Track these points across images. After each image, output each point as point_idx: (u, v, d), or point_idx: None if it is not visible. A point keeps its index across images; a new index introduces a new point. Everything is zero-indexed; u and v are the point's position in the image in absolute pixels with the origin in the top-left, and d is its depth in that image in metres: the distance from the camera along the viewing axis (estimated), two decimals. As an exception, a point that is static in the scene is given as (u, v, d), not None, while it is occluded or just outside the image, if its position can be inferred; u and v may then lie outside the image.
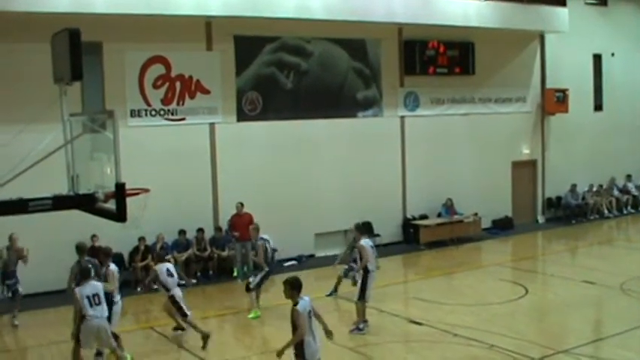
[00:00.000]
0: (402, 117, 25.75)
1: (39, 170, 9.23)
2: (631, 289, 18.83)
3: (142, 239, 20.32)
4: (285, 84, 23.27)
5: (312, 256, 23.68)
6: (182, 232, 21.18)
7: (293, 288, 10.25)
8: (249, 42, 22.49)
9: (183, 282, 16.73)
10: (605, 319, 17.28)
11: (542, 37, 29.32)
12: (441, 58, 26.11)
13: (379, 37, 24.92)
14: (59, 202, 9.15)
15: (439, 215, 26.32)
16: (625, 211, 31.80)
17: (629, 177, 32.76)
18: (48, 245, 17.95)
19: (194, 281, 20.81)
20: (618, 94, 32.21)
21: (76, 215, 10.16)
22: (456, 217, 26.05)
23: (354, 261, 17.56)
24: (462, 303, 17.83)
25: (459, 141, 27.09)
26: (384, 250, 24.48)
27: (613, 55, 32.02)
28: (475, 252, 25.10)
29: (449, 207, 26.16)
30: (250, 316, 17.20)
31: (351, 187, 24.40)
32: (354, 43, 24.56)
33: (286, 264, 22.74)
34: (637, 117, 33.46)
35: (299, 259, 23.12)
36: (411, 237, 25.55)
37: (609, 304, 18.18)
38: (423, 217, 26.04)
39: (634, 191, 32.55)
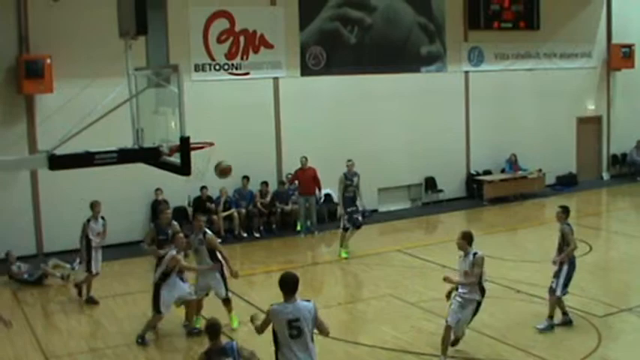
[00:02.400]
0: (466, 72, 25.22)
1: (105, 124, 9.13)
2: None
3: (204, 188, 20.15)
4: (348, 38, 22.88)
5: (375, 210, 23.39)
6: (245, 178, 20.94)
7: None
8: (313, -4, 22.18)
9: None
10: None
11: (612, -7, 28.39)
12: (506, 13, 25.43)
13: (444, -9, 24.38)
14: (124, 156, 9.09)
15: (503, 171, 25.86)
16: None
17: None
18: (114, 199, 18.00)
19: (257, 235, 20.74)
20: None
21: (141, 169, 10.08)
22: (519, 173, 25.56)
23: None
24: (525, 259, 17.53)
25: (524, 96, 26.40)
26: (448, 205, 24.45)
27: (682, 8, 30.87)
28: (539, 208, 24.59)
29: (513, 163, 25.68)
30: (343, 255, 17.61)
31: (414, 143, 24.03)
32: (419, -3, 24.08)
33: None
34: None
35: (363, 214, 22.88)
36: (475, 192, 25.15)
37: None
38: (487, 172, 25.59)
39: None
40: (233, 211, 20.57)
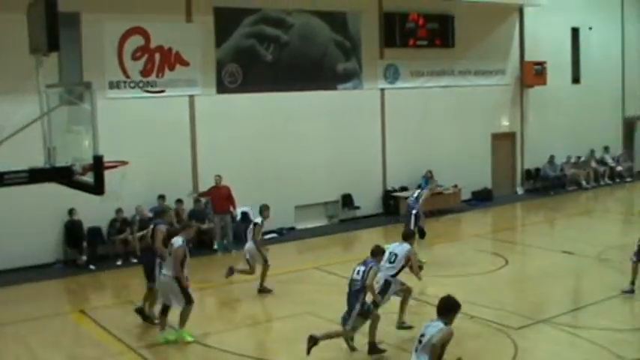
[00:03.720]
0: (382, 89, 25.60)
1: (15, 142, 8.97)
2: (608, 259, 19.04)
3: (119, 211, 20.02)
4: (265, 56, 22.99)
5: (292, 228, 23.52)
6: (161, 197, 20.71)
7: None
8: (229, 13, 22.17)
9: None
10: (584, 289, 17.37)
11: (521, 11, 29.34)
12: (421, 31, 25.98)
13: (360, 10, 24.73)
14: (35, 175, 8.94)
15: (419, 187, 26.18)
16: (602, 182, 31.98)
17: (606, 149, 32.92)
18: (24, 219, 17.68)
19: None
20: (595, 67, 32.29)
21: (53, 188, 9.94)
22: (436, 189, 25.93)
23: None
24: (442, 274, 17.76)
25: (439, 113, 26.95)
26: (365, 222, 24.58)
27: (591, 28, 32.05)
28: (455, 223, 25.08)
29: (429, 179, 26.01)
30: None
31: (331, 159, 24.28)
32: (335, 15, 24.32)
33: (267, 236, 22.49)
34: (614, 89, 33.68)
35: (279, 231, 22.94)
36: (392, 209, 25.46)
37: (587, 273, 18.31)
38: (403, 188, 25.90)
39: (611, 163, 32.69)
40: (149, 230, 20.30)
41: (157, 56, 21.02)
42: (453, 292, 15.51)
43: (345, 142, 24.53)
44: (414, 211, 19.11)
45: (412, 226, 18.39)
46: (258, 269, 16.70)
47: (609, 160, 32.70)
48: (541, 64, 29.40)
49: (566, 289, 17.18)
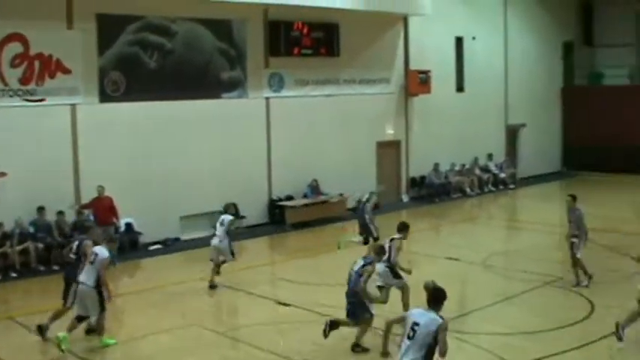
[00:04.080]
0: (267, 98, 26.17)
1: None
2: (493, 265, 20.13)
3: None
4: (149, 64, 23.23)
5: (177, 239, 23.84)
6: (41, 209, 20.73)
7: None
8: (112, 20, 22.35)
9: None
10: (470, 295, 18.21)
11: (405, 20, 30.43)
12: (306, 40, 26.65)
13: (245, 18, 25.23)
14: None
15: (305, 196, 26.91)
16: (486, 190, 33.39)
17: (490, 156, 34.39)
18: None
19: (56, 268, 20.14)
20: (479, 75, 33.84)
21: None
22: (321, 198, 26.70)
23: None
24: (329, 283, 18.26)
25: (324, 122, 27.76)
26: (250, 231, 24.98)
27: (474, 38, 33.51)
28: (340, 232, 25.71)
29: (314, 187, 26.80)
30: None
31: (216, 169, 24.70)
32: (220, 23, 24.77)
33: (151, 247, 22.85)
34: (497, 98, 35.31)
35: (164, 242, 23.24)
36: (277, 218, 26.06)
37: (473, 279, 19.29)
38: (289, 197, 26.54)
39: (494, 170, 34.15)
40: (29, 244, 20.31)
41: (37, 64, 20.99)
42: (339, 301, 16.28)
43: (230, 151, 24.99)
44: (366, 216, 20.91)
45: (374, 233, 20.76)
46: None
47: (493, 168, 34.21)
48: (426, 72, 30.56)
49: (452, 295, 17.82)
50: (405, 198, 31.14)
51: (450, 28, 32.46)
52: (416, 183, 31.60)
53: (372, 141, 29.61)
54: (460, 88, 33.51)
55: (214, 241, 18.51)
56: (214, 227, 18.97)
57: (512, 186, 34.54)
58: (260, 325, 15.34)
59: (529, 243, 23.39)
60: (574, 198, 18.71)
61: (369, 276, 13.70)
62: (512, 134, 36.76)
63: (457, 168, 32.64)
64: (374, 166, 29.76)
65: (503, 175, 34.40)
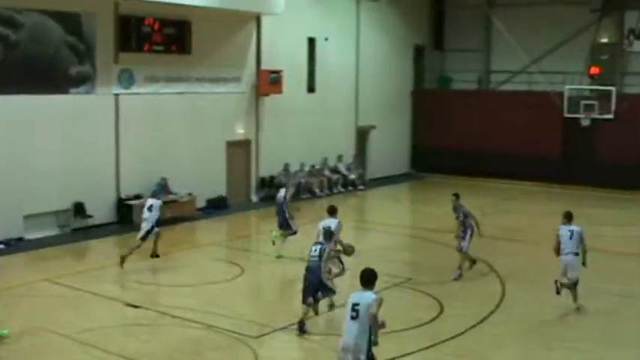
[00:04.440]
0: (117, 95, 26.26)
1: None
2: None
3: None
4: (-9, 56, 22.96)
5: (20, 239, 23.58)
6: None
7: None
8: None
9: None
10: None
11: (258, 19, 31.09)
12: (157, 36, 26.95)
13: (94, 12, 25.27)
14: None
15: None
16: (335, 190, 34.44)
17: (339, 157, 35.52)
18: None
19: None
20: (330, 77, 35.00)
21: None
22: (170, 197, 27.00)
23: None
24: (179, 284, 18.90)
25: (175, 120, 28.13)
26: (98, 231, 25.04)
27: (327, 39, 34.52)
28: (190, 232, 26.24)
29: (163, 186, 27.04)
30: None
31: (63, 166, 24.64)
32: (68, 16, 24.68)
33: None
34: (348, 99, 36.52)
35: (7, 242, 23.00)
36: (126, 217, 26.18)
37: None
38: (138, 196, 26.59)
39: (344, 171, 35.26)
40: None
41: None
42: (189, 302, 16.85)
43: (77, 148, 24.99)
44: (286, 210, 22.41)
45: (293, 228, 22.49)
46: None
47: (342, 169, 35.33)
48: (277, 72, 31.33)
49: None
50: (254, 198, 31.77)
51: (303, 29, 33.42)
52: (265, 183, 32.27)
53: (222, 140, 30.16)
54: (311, 88, 34.51)
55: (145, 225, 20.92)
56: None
57: (361, 187, 35.75)
58: (109, 328, 15.58)
59: (378, 244, 24.46)
60: (457, 196, 20.63)
61: (328, 255, 15.95)
62: (362, 136, 38.08)
63: (307, 169, 33.56)
64: (224, 166, 30.29)
65: (352, 176, 35.56)
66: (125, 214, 26.26)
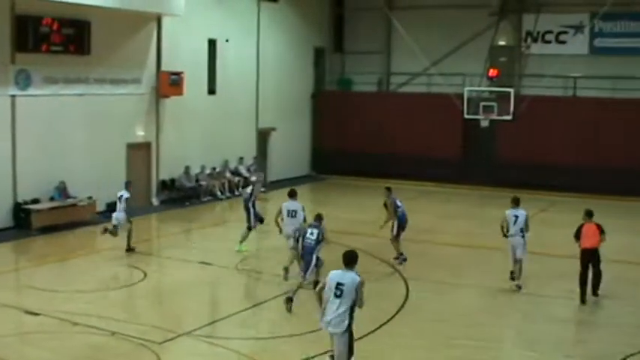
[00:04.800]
0: (13, 96, 25.63)
1: None
2: (245, 269, 21.11)
3: None
4: None
5: None
6: None
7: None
8: None
9: None
10: (224, 299, 19.13)
11: (159, 20, 30.84)
12: (56, 36, 26.33)
13: (-10, 10, 24.71)
14: None
15: (52, 199, 26.65)
16: (237, 193, 34.27)
17: (240, 159, 35.54)
18: None
19: None
20: (231, 78, 35.00)
21: None
22: (69, 201, 26.59)
23: None
24: (80, 290, 18.59)
25: (74, 122, 27.61)
26: (-6, 236, 24.46)
27: (227, 40, 34.47)
28: (90, 236, 25.78)
29: (62, 190, 26.62)
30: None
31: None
32: (-39, 15, 24.08)
33: None
34: (248, 101, 36.57)
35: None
36: (23, 222, 25.63)
37: (227, 283, 20.21)
38: (35, 200, 26.17)
39: (245, 173, 35.24)
40: None
41: None
42: (91, 309, 16.64)
43: (-28, 151, 24.33)
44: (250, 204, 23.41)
45: (252, 222, 23.22)
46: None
47: (243, 171, 35.31)
48: (178, 74, 31.15)
49: (206, 300, 18.96)
50: (155, 201, 31.51)
51: (204, 30, 33.29)
52: (166, 186, 32.04)
53: (123, 143, 29.77)
54: (212, 90, 34.38)
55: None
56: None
57: (262, 189, 35.75)
58: (7, 337, 15.22)
59: (280, 246, 24.42)
60: (389, 189, 22.14)
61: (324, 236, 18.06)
62: (262, 138, 38.13)
63: (208, 171, 33.44)
64: (124, 169, 29.87)
65: (253, 178, 35.49)
66: (22, 219, 25.67)
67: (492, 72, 36.07)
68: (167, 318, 16.84)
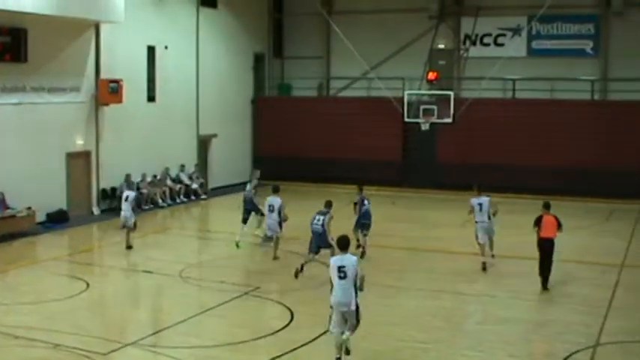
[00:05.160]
0: (-56, 105, 25.21)
1: None
2: (190, 277, 20.93)
3: None
4: None
5: None
6: None
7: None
8: None
9: None
10: (168, 308, 18.86)
11: (97, 27, 30.51)
12: (-9, 44, 26.02)
13: None
14: None
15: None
16: (178, 200, 34.29)
17: (182, 167, 35.36)
18: None
19: None
20: (171, 85, 34.88)
21: None
22: (7, 212, 26.20)
23: None
24: (20, 302, 18.26)
25: (11, 132, 27.18)
26: None
27: (167, 47, 34.31)
28: (30, 247, 25.49)
29: (0, 201, 26.21)
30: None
31: None
32: None
33: None
34: (189, 108, 36.49)
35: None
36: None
37: (170, 292, 19.97)
38: (-28, 211, 25.78)
39: (186, 181, 35.12)
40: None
41: None
42: (32, 321, 16.40)
43: None
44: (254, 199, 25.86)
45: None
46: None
47: (185, 178, 35.16)
48: (117, 81, 30.86)
49: (150, 309, 18.82)
50: (95, 210, 31.19)
51: (143, 37, 33.13)
52: (107, 194, 31.75)
53: (62, 152, 29.42)
54: (152, 97, 34.19)
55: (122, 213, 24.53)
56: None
57: (203, 196, 35.71)
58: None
59: (223, 253, 24.54)
60: (360, 188, 24.41)
61: (331, 219, 20.76)
62: (203, 145, 38.01)
63: (149, 179, 33.22)
64: (64, 178, 29.56)
65: (194, 185, 35.46)
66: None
67: (432, 75, 36.49)
68: (111, 328, 16.68)
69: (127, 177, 31.65)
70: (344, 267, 13.57)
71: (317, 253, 20.71)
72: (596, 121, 35.75)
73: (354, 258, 13.80)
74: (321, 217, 20.69)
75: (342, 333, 13.80)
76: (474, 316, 18.07)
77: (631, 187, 34.23)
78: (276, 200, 23.20)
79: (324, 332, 15.75)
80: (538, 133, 36.18)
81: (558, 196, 24.22)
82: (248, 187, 26.27)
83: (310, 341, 15.34)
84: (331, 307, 13.96)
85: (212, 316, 17.55)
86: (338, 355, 13.84)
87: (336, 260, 13.79)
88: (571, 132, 35.65)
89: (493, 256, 22.37)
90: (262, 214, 24.69)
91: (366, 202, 23.90)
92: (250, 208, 25.68)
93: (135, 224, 24.60)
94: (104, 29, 30.64)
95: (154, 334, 16.28)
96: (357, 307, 13.73)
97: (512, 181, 34.84)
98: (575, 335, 16.31)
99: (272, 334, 16.02)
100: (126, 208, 24.37)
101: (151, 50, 33.85)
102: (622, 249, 24.98)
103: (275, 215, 22.90)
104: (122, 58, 31.65)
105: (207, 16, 37.29)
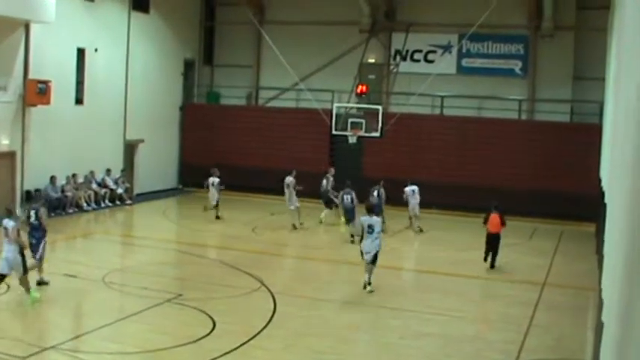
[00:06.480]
0: None
1: None
2: (112, 282, 20.89)
3: None
4: None
5: None
6: None
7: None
8: None
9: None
10: (90, 312, 18.90)
11: (27, 27, 30.33)
12: None
13: None
14: None
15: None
16: (103, 205, 34.19)
17: (108, 171, 35.31)
18: None
19: None
20: (99, 88, 34.79)
21: None
22: None
23: None
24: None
25: None
26: None
27: (96, 50, 34.27)
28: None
29: None
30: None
31: None
32: None
33: None
34: (117, 112, 36.39)
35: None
36: None
37: (93, 297, 19.90)
38: None
39: (112, 185, 35.08)
40: None
41: None
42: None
43: None
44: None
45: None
46: None
47: (110, 183, 35.11)
48: (45, 83, 30.72)
49: (72, 313, 18.72)
50: (19, 212, 30.87)
51: (73, 39, 32.98)
52: (31, 196, 31.50)
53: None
54: (80, 100, 34.05)
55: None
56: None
57: (129, 202, 35.70)
58: None
59: (147, 259, 24.63)
60: (348, 184, 28.95)
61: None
62: (130, 149, 37.99)
63: (63, 181, 32.97)
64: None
65: (120, 190, 35.44)
66: None
67: (361, 88, 36.90)
68: (31, 332, 16.61)
69: (52, 179, 31.58)
70: (372, 225, 20.24)
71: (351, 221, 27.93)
72: (522, 140, 36.66)
73: (378, 219, 20.76)
74: (349, 196, 29.00)
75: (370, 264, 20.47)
76: (394, 330, 18.12)
77: (553, 207, 35.07)
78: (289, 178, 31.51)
79: (247, 341, 16.09)
80: (465, 151, 36.96)
81: (484, 214, 24.78)
82: (289, 178, 31.59)
83: (232, 350, 15.52)
84: (361, 252, 20.47)
85: (134, 322, 17.50)
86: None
87: (365, 219, 20.48)
88: (497, 150, 36.52)
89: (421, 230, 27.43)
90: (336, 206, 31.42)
91: (345, 197, 29.31)
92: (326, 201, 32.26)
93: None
94: (34, 29, 30.47)
95: (75, 338, 16.21)
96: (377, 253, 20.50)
97: (437, 198, 35.41)
98: (495, 352, 16.70)
99: (194, 342, 16.07)
100: (213, 192, 28.54)
101: (80, 52, 33.70)
102: (544, 267, 25.61)
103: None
104: (51, 59, 31.51)
105: (138, 20, 37.33)
